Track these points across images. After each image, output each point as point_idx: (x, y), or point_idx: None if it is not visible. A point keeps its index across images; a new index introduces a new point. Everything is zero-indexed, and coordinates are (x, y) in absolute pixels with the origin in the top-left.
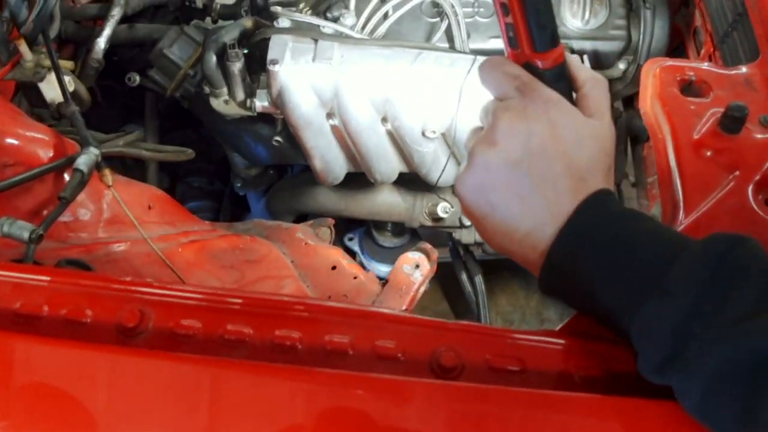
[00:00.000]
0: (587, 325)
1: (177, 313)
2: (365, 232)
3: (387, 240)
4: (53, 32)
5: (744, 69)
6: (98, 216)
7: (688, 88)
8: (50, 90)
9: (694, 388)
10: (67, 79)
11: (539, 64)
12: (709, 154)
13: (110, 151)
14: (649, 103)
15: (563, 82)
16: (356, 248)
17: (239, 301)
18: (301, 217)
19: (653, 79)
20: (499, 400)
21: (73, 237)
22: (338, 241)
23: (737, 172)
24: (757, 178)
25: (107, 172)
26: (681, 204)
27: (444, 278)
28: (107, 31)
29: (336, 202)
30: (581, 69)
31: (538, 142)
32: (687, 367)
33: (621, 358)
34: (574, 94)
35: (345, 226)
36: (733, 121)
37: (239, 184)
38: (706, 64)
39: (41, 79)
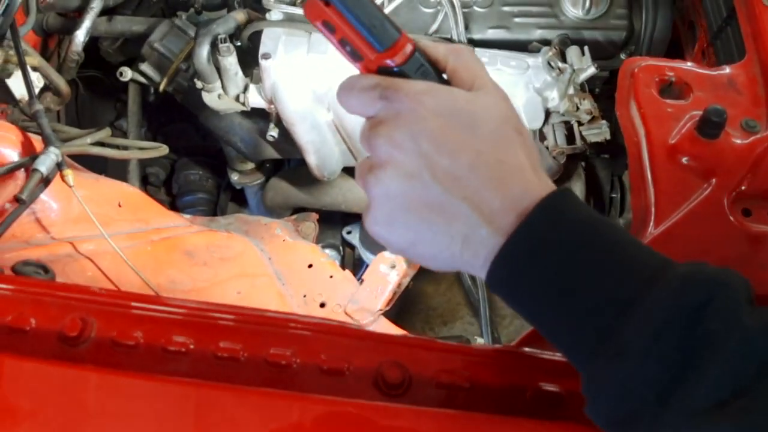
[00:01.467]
0: (544, 340)
1: (119, 323)
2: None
3: None
4: (28, 26)
5: (728, 69)
6: (67, 214)
7: (668, 89)
8: (19, 86)
9: None
10: (35, 75)
11: (391, 63)
12: (685, 160)
13: (72, 150)
14: (624, 105)
15: (427, 69)
16: (355, 242)
17: (182, 311)
18: (298, 212)
19: (631, 80)
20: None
21: (39, 236)
22: (337, 234)
23: (714, 180)
24: (736, 186)
25: (69, 172)
26: (652, 213)
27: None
28: (86, 24)
29: (333, 196)
30: (437, 46)
31: (427, 142)
32: None
33: (574, 375)
34: (445, 76)
35: (343, 220)
36: (711, 126)
37: (235, 178)
38: (688, 63)
39: (8, 76)
